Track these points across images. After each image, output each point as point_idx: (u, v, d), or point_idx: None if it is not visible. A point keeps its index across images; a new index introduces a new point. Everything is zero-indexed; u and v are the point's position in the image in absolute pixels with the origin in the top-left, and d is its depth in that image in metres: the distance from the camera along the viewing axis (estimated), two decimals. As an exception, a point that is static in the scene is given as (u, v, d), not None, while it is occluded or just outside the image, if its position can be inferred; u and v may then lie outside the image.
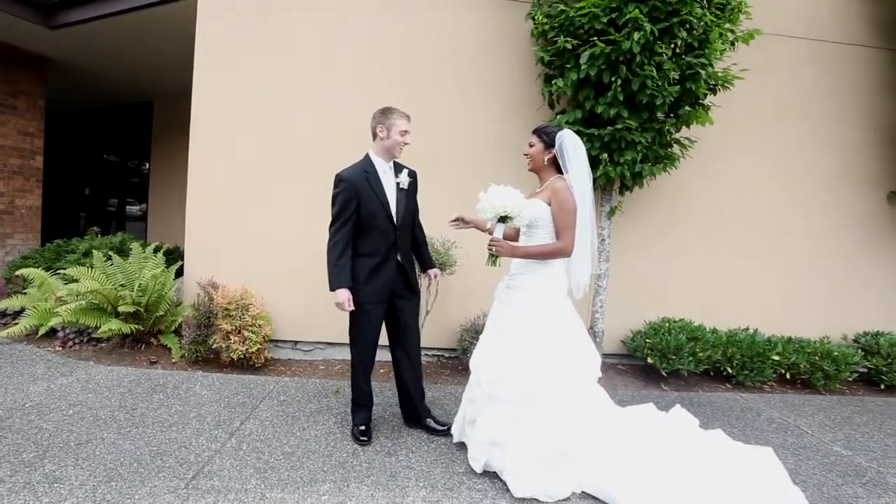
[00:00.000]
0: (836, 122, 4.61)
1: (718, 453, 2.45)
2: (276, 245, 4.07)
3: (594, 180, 3.72)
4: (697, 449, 2.45)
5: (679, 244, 4.40)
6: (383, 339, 2.77)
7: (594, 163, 3.69)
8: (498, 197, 2.28)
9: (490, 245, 2.34)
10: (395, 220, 2.61)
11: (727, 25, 3.62)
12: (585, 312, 4.11)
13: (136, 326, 3.85)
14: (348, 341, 2.73)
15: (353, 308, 2.52)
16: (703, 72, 3.48)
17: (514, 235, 2.65)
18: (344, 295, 2.48)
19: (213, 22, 4.05)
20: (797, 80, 4.53)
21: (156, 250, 4.49)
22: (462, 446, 2.60)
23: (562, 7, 3.59)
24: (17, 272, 4.38)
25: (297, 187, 4.07)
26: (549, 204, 2.38)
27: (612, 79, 3.43)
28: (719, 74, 3.67)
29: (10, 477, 2.12)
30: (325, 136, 4.07)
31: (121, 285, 3.97)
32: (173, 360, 3.78)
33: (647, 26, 3.23)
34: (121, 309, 3.75)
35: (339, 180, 2.56)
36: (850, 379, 4.20)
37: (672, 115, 3.73)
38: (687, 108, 3.73)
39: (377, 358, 4.10)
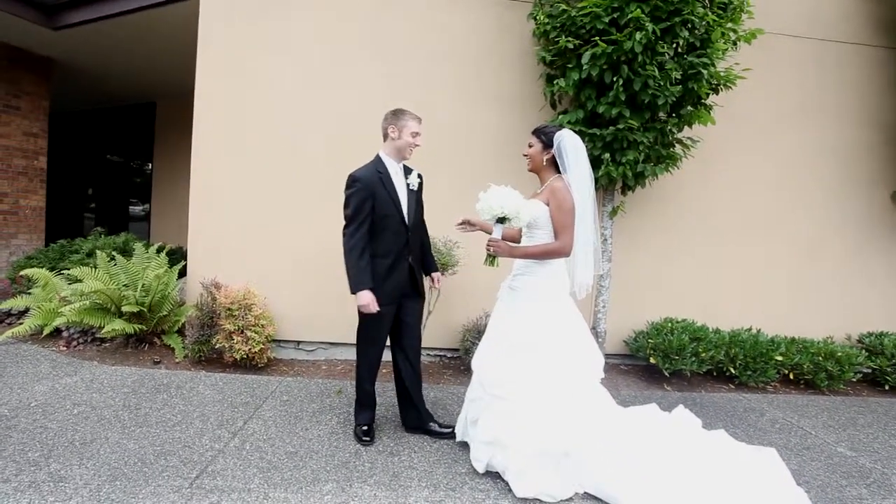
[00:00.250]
0: (839, 121, 4.59)
1: (721, 454, 2.44)
2: (279, 245, 4.08)
3: (596, 180, 3.73)
4: (700, 450, 2.45)
5: (681, 244, 4.39)
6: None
7: (596, 163, 3.70)
8: (496, 198, 2.29)
9: (488, 245, 2.35)
10: (406, 220, 2.62)
11: (729, 25, 3.61)
12: (588, 312, 4.11)
13: (140, 326, 3.86)
14: (354, 342, 2.73)
15: (378, 309, 2.50)
16: (705, 71, 3.47)
17: (516, 236, 2.66)
18: (368, 296, 2.46)
19: (216, 22, 4.06)
20: (800, 80, 4.51)
21: (159, 250, 4.51)
22: (465, 446, 2.61)
23: (563, 7, 3.59)
24: (22, 272, 4.41)
25: (300, 187, 4.08)
26: (548, 204, 2.38)
27: (614, 79, 3.43)
28: (721, 74, 3.66)
29: (16, 476, 2.14)
30: (327, 136, 4.08)
31: (124, 285, 3.99)
32: (177, 360, 3.79)
33: (649, 26, 3.23)
34: (124, 309, 3.77)
35: (353, 180, 2.54)
36: (853, 379, 4.18)
37: (674, 114, 3.72)
38: (689, 107, 3.72)
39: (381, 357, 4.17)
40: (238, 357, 3.62)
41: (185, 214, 4.12)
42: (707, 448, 2.48)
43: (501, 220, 2.34)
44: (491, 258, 2.37)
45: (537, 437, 2.25)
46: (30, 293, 4.31)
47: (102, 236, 5.37)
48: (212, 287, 3.87)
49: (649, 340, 3.96)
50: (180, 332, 4.07)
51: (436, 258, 3.23)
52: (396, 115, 2.63)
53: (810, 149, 4.55)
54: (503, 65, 4.18)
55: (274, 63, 4.08)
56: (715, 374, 4.12)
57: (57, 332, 4.05)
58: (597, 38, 3.38)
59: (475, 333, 3.85)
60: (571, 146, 2.40)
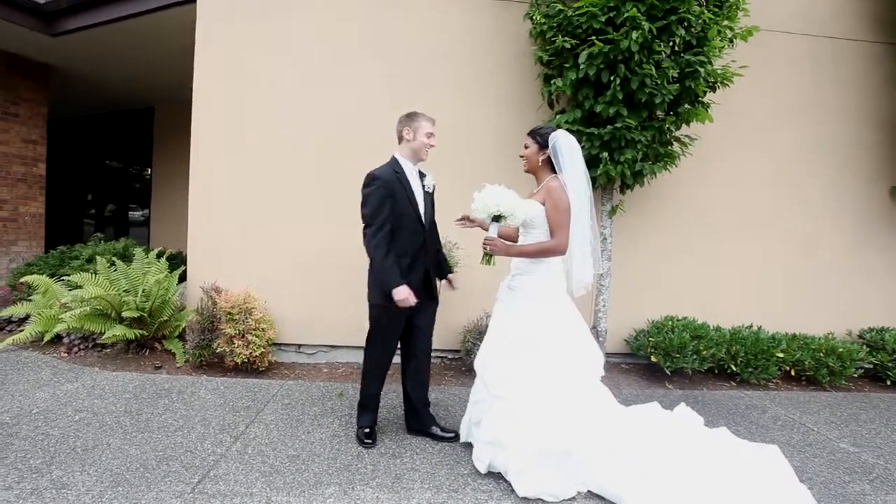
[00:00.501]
0: (836, 117, 4.59)
1: (724, 452, 2.44)
2: (279, 247, 4.08)
3: (594, 179, 3.74)
4: (702, 448, 2.44)
5: (681, 242, 4.40)
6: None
7: (594, 162, 3.70)
8: (492, 196, 2.31)
9: (485, 244, 2.37)
10: (423, 220, 2.63)
11: (725, 23, 3.62)
12: (588, 312, 4.11)
13: (141, 332, 3.86)
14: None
15: (416, 301, 2.48)
16: (702, 69, 3.48)
17: (513, 235, 2.67)
18: (405, 290, 2.45)
19: (215, 22, 4.05)
20: (797, 76, 4.52)
21: (159, 255, 4.50)
22: (467, 447, 2.61)
23: (560, 7, 3.59)
24: (22, 279, 4.41)
25: (300, 189, 4.09)
26: (544, 204, 2.41)
27: (611, 78, 3.43)
28: (718, 72, 3.67)
29: (18, 483, 2.14)
30: (327, 136, 4.09)
31: (124, 291, 3.99)
32: (178, 365, 3.79)
33: (646, 25, 3.23)
34: (125, 314, 3.77)
35: (373, 178, 2.54)
36: (855, 375, 4.18)
37: (672, 113, 3.72)
38: (686, 105, 3.73)
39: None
40: (239, 361, 3.62)
41: (184, 219, 4.12)
42: (709, 446, 2.47)
43: (497, 219, 2.36)
44: (487, 257, 2.39)
45: (537, 436, 2.25)
46: (30, 300, 4.31)
47: (102, 242, 5.37)
48: (212, 291, 3.87)
49: (650, 339, 3.96)
50: (181, 336, 4.07)
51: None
52: (410, 117, 2.66)
53: (808, 145, 4.55)
54: (501, 65, 4.18)
55: (273, 63, 4.08)
56: (716, 371, 4.12)
57: (58, 339, 4.04)
58: (593, 37, 3.38)
59: (476, 334, 3.84)
60: (567, 147, 2.43)
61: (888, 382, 4.20)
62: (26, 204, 6.14)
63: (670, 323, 4.07)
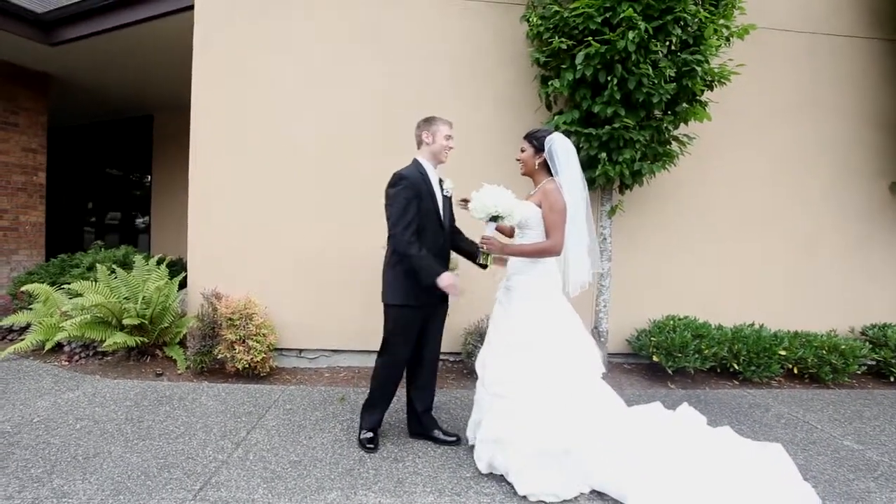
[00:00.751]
0: (835, 113, 4.59)
1: (727, 451, 2.43)
2: (280, 251, 4.08)
3: (593, 180, 3.75)
4: (706, 447, 2.43)
5: (681, 241, 4.39)
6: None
7: (593, 162, 3.71)
8: (490, 196, 2.35)
9: (482, 242, 2.42)
10: (443, 223, 2.65)
11: (721, 21, 3.63)
12: (589, 312, 4.10)
13: (142, 339, 3.86)
14: (381, 346, 2.66)
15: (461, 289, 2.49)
16: (698, 68, 3.48)
17: (509, 233, 2.70)
18: (450, 276, 2.44)
19: (215, 22, 4.06)
20: (794, 74, 4.52)
21: (159, 262, 4.51)
22: (470, 450, 2.60)
23: (556, 8, 3.60)
24: (23, 288, 4.41)
25: (300, 193, 4.09)
26: (541, 206, 2.46)
27: (609, 78, 3.44)
28: (715, 70, 3.67)
29: (19, 493, 2.13)
30: (328, 137, 4.10)
31: (125, 298, 3.99)
32: (179, 372, 3.79)
33: (642, 25, 3.24)
34: (125, 322, 3.77)
35: (400, 178, 2.54)
36: (858, 372, 4.17)
37: (669, 112, 3.73)
38: (684, 104, 3.73)
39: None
40: (240, 367, 3.62)
41: (185, 226, 4.12)
42: (712, 445, 2.46)
43: (494, 219, 2.41)
44: (485, 255, 2.44)
45: (537, 436, 2.26)
46: (31, 309, 4.31)
47: (102, 250, 5.38)
48: (212, 297, 3.87)
49: (652, 339, 3.95)
50: (182, 343, 4.07)
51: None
52: (429, 121, 2.69)
53: (807, 143, 4.55)
54: (499, 67, 4.19)
55: (273, 64, 4.09)
56: (718, 370, 4.11)
57: (59, 347, 4.04)
58: (590, 38, 3.39)
59: (477, 336, 3.84)
60: (562, 149, 2.47)
61: (892, 379, 4.18)
62: (26, 213, 6.15)
63: (672, 322, 4.06)
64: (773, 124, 4.48)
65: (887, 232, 4.66)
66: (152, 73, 6.05)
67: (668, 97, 3.50)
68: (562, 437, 2.25)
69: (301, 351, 4.16)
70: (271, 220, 4.09)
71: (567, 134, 3.66)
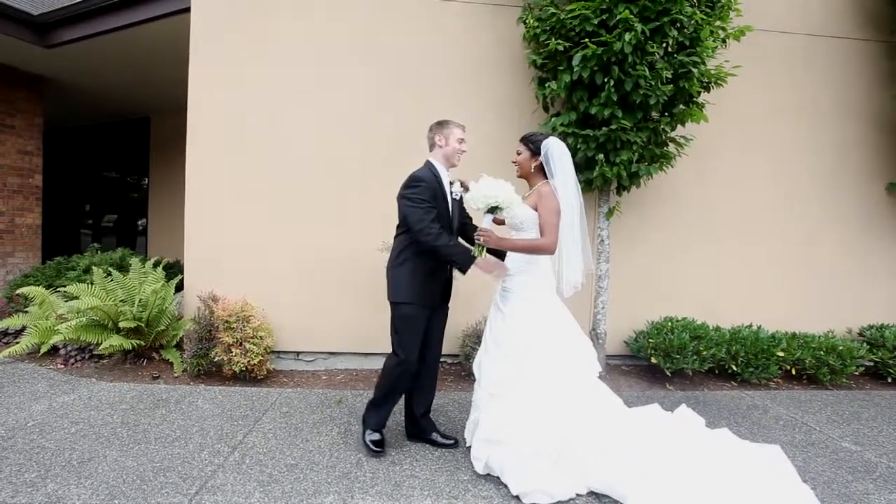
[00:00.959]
0: (831, 115, 4.61)
1: (725, 453, 2.42)
2: (276, 254, 4.07)
3: (591, 181, 3.75)
4: (704, 448, 2.43)
5: (679, 243, 4.39)
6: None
7: (590, 164, 3.71)
8: (490, 188, 2.37)
9: (478, 234, 2.43)
10: (453, 225, 2.67)
11: (718, 23, 3.64)
12: (587, 314, 4.10)
13: (138, 342, 3.84)
14: (391, 347, 2.64)
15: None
16: (695, 70, 3.49)
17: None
18: (484, 260, 2.45)
19: (209, 26, 4.06)
20: (791, 75, 4.53)
21: (155, 265, 4.49)
22: (467, 453, 2.60)
23: (552, 10, 3.60)
24: (18, 291, 4.38)
25: (297, 195, 4.08)
26: (536, 208, 2.49)
27: (605, 80, 3.44)
28: (712, 72, 3.68)
29: (12, 498, 2.11)
30: (325, 140, 4.10)
31: (121, 301, 3.97)
32: (175, 375, 3.77)
33: (638, 26, 3.24)
34: (122, 325, 3.75)
35: (419, 179, 2.54)
36: (856, 373, 4.17)
37: (666, 113, 3.73)
38: (681, 106, 3.73)
39: (381, 366, 4.13)
40: (237, 370, 3.60)
41: (182, 228, 4.11)
42: (711, 447, 2.46)
43: (492, 210, 2.42)
44: (480, 248, 2.44)
45: (533, 435, 2.27)
46: (26, 312, 4.29)
47: (99, 252, 5.36)
48: (209, 300, 3.85)
49: (650, 340, 3.94)
50: (178, 346, 4.05)
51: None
52: (441, 125, 2.70)
53: (803, 144, 4.56)
54: (496, 69, 4.20)
55: (270, 65, 4.08)
56: (717, 372, 4.10)
57: (54, 350, 4.02)
58: (586, 39, 3.39)
59: (475, 338, 3.83)
60: (558, 153, 2.51)
61: (889, 379, 4.18)
62: (23, 215, 6.13)
63: (670, 324, 4.06)
64: (769, 126, 4.49)
65: (884, 232, 4.67)
66: (149, 75, 6.04)
67: (665, 99, 3.49)
68: (558, 437, 2.26)
69: (298, 353, 4.15)
70: (268, 223, 4.07)
71: (564, 135, 3.68)
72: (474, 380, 2.65)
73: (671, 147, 3.89)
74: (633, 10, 3.29)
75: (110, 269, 4.33)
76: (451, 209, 2.65)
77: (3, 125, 5.89)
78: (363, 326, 4.03)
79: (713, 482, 2.17)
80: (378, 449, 2.61)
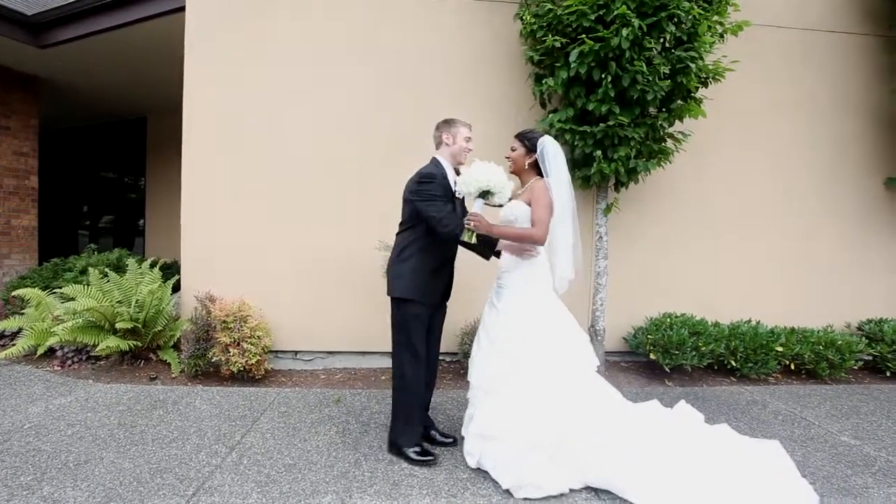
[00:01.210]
0: (829, 110, 4.60)
1: (725, 448, 2.41)
2: (273, 254, 4.05)
3: (588, 178, 3.74)
4: (703, 444, 2.42)
5: (677, 238, 4.38)
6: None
7: (588, 160, 3.70)
8: (482, 171, 2.34)
9: (468, 219, 2.40)
10: None
11: (715, 18, 3.62)
12: (586, 311, 4.09)
13: (135, 343, 3.82)
14: (396, 349, 2.59)
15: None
16: (693, 65, 3.47)
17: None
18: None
19: (205, 25, 4.03)
20: (789, 70, 4.52)
21: (152, 265, 4.47)
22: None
23: (549, 6, 3.58)
24: (15, 292, 4.36)
25: (294, 195, 4.06)
26: (529, 204, 2.49)
27: (603, 76, 3.42)
28: (710, 67, 3.66)
29: (8, 501, 2.09)
30: (323, 139, 4.07)
31: (118, 302, 3.95)
32: (173, 376, 3.75)
33: (636, 22, 3.23)
34: (118, 326, 3.73)
35: (431, 176, 2.54)
36: (855, 367, 4.17)
37: (664, 109, 3.72)
38: (679, 101, 3.72)
39: (380, 365, 4.14)
40: (235, 370, 3.58)
41: (179, 228, 4.08)
42: (710, 442, 2.45)
43: (484, 195, 2.39)
44: (469, 232, 2.41)
45: (528, 430, 2.27)
46: (23, 313, 4.26)
47: (96, 253, 5.33)
48: (206, 300, 3.84)
49: (648, 336, 3.94)
50: (176, 346, 4.03)
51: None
52: (448, 123, 2.70)
53: (801, 139, 4.55)
54: (493, 66, 4.18)
55: (266, 64, 4.05)
56: (716, 367, 4.10)
57: (51, 352, 4.00)
58: (583, 35, 3.38)
59: (473, 337, 3.80)
60: (553, 152, 2.52)
61: (888, 374, 4.18)
62: (19, 217, 6.10)
63: (668, 320, 4.05)
64: (767, 120, 4.48)
65: (883, 227, 4.66)
66: (145, 75, 6.01)
67: (663, 94, 3.48)
68: (553, 432, 2.26)
69: (297, 353, 4.13)
70: (265, 222, 4.05)
71: (562, 132, 3.67)
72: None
73: (669, 143, 3.87)
74: (631, 6, 3.27)
75: (107, 269, 4.31)
76: (456, 207, 2.65)
77: (-3, 126, 5.86)
78: (362, 325, 4.02)
79: (713, 477, 2.17)
80: (429, 457, 2.50)
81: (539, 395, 2.32)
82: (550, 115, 3.76)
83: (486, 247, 2.61)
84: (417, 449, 2.54)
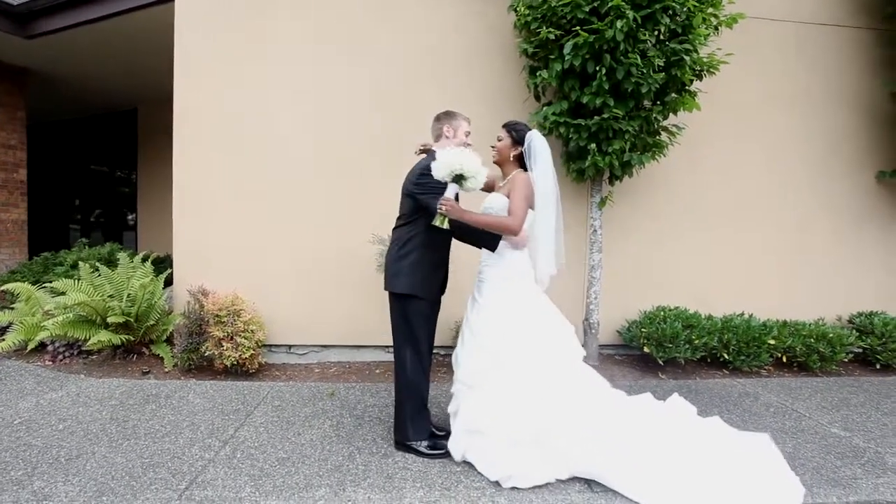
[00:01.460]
0: (823, 103, 4.60)
1: (716, 441, 2.43)
2: (267, 247, 4.02)
3: (583, 171, 3.73)
4: (695, 437, 2.44)
5: (671, 232, 4.39)
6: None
7: (582, 153, 3.69)
8: (456, 156, 2.25)
9: (440, 204, 2.31)
10: None
11: (710, 10, 3.60)
12: (580, 304, 4.10)
13: (127, 337, 3.79)
14: (401, 347, 2.58)
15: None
16: (687, 58, 3.46)
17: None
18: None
19: (194, 23, 3.97)
20: (783, 63, 4.52)
21: (144, 259, 4.43)
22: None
23: (543, -3, 3.55)
24: (4, 287, 4.31)
25: (288, 188, 4.03)
26: (510, 196, 2.45)
27: (597, 68, 3.41)
28: (704, 60, 3.65)
29: (-2, 496, 2.08)
30: (314, 132, 4.04)
31: (109, 296, 3.91)
32: (166, 370, 3.73)
33: (630, 14, 3.21)
34: (110, 320, 3.70)
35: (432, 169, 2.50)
36: (845, 360, 4.21)
37: (658, 102, 3.71)
38: (673, 94, 3.71)
39: (374, 358, 4.14)
40: (228, 364, 3.57)
41: (171, 222, 4.04)
42: (701, 435, 2.47)
43: (457, 179, 2.29)
44: (441, 217, 2.32)
45: (510, 425, 2.27)
46: (13, 308, 4.22)
47: (87, 247, 5.28)
48: (199, 294, 3.81)
49: (642, 330, 3.95)
50: (169, 341, 4.01)
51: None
52: (449, 115, 2.66)
53: (795, 132, 4.56)
54: (487, 59, 4.14)
55: (256, 57, 4.00)
56: (709, 360, 4.13)
57: (42, 347, 3.96)
58: (578, 27, 3.35)
59: (468, 330, 3.81)
60: (540, 146, 2.48)
61: (878, 366, 4.23)
62: (7, 211, 6.02)
63: (662, 313, 4.07)
64: (761, 113, 4.49)
65: (875, 221, 4.69)
66: (135, 65, 5.92)
67: (657, 87, 3.47)
68: (535, 427, 2.26)
69: (291, 347, 4.12)
70: (259, 215, 4.02)
71: (556, 125, 3.65)
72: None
73: (663, 136, 3.87)
74: (625, -3, 3.25)
75: (98, 263, 4.26)
76: (458, 201, 2.63)
77: (-16, 119, 5.76)
78: (357, 319, 4.01)
79: (704, 470, 2.18)
80: (441, 450, 2.50)
81: (518, 391, 2.31)
82: (545, 108, 3.74)
83: (466, 235, 2.50)
84: (427, 443, 2.54)
